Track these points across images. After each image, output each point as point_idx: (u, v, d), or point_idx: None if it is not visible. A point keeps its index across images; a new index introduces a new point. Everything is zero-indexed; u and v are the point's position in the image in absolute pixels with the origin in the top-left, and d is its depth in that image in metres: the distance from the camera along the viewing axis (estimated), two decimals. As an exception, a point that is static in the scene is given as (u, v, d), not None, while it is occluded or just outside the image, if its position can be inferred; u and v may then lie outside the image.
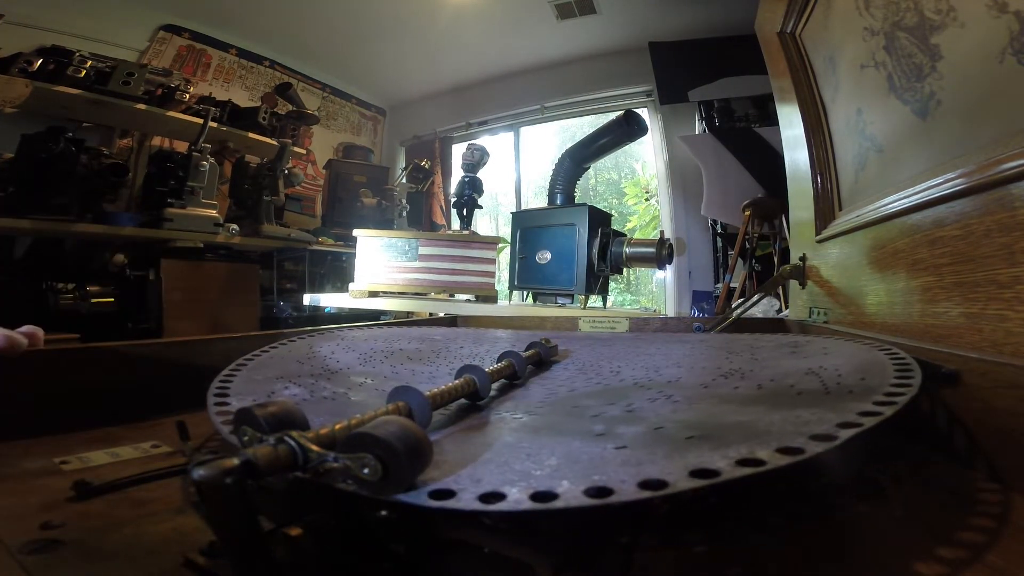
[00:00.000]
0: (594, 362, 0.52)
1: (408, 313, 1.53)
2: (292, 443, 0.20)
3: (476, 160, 1.69)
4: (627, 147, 1.54)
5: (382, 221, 2.15)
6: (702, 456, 0.20)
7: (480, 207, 1.75)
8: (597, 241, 1.22)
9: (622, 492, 0.18)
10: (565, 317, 0.96)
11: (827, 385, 0.29)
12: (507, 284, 1.43)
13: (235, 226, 2.05)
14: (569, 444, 0.24)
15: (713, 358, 0.46)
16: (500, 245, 1.60)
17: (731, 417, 0.26)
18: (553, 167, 1.40)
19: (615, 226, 1.30)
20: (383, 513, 0.20)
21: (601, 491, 0.18)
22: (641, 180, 4.81)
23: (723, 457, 0.19)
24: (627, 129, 1.31)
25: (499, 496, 0.19)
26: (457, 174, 2.13)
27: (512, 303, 1.40)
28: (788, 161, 0.93)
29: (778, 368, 0.37)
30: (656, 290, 4.35)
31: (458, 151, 2.77)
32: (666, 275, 2.89)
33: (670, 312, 2.76)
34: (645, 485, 0.18)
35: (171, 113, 2.07)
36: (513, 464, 0.22)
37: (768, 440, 0.21)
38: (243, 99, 2.59)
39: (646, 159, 4.64)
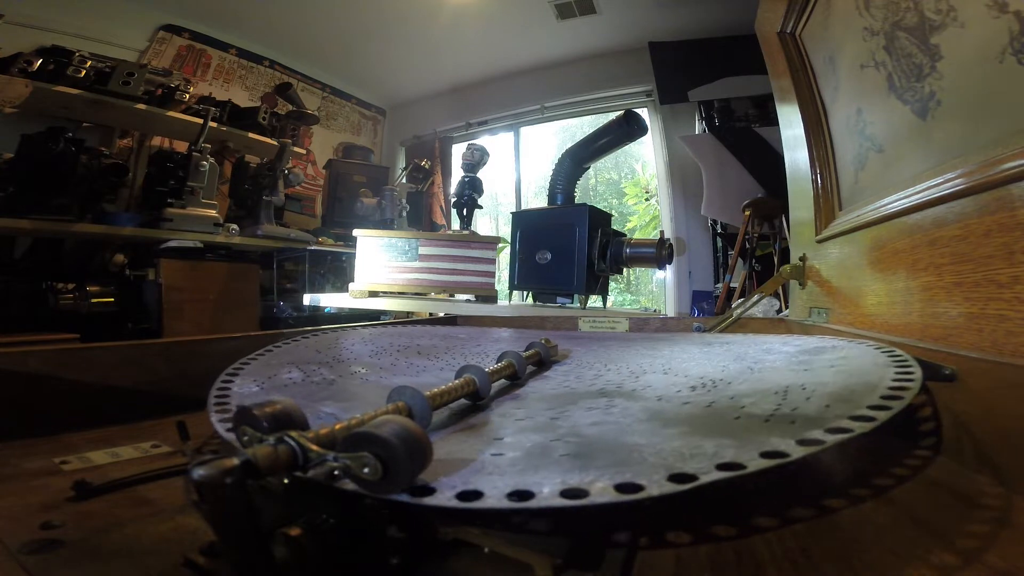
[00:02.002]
0: (591, 362, 0.52)
1: (408, 313, 1.53)
2: (292, 443, 0.20)
3: (476, 160, 1.69)
4: (627, 147, 1.54)
5: (382, 221, 2.15)
6: (552, 477, 0.20)
7: (480, 207, 1.75)
8: (597, 241, 1.22)
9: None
10: (565, 317, 0.96)
11: (779, 410, 0.26)
12: (507, 284, 1.42)
13: (235, 226, 2.05)
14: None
15: (705, 364, 0.45)
16: (500, 245, 1.59)
17: (634, 438, 0.24)
18: (553, 167, 1.40)
19: (615, 226, 1.30)
20: (383, 513, 0.20)
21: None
22: (641, 180, 4.81)
23: (558, 483, 0.20)
24: (627, 129, 1.30)
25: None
26: (457, 174, 2.13)
27: (512, 303, 1.40)
28: (788, 161, 0.93)
29: (759, 382, 0.35)
30: (656, 290, 4.36)
31: (458, 151, 2.77)
32: (666, 275, 2.89)
33: (670, 312, 2.76)
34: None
35: (171, 113, 2.07)
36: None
37: (625, 470, 0.20)
38: (243, 99, 2.59)
39: (646, 159, 4.65)
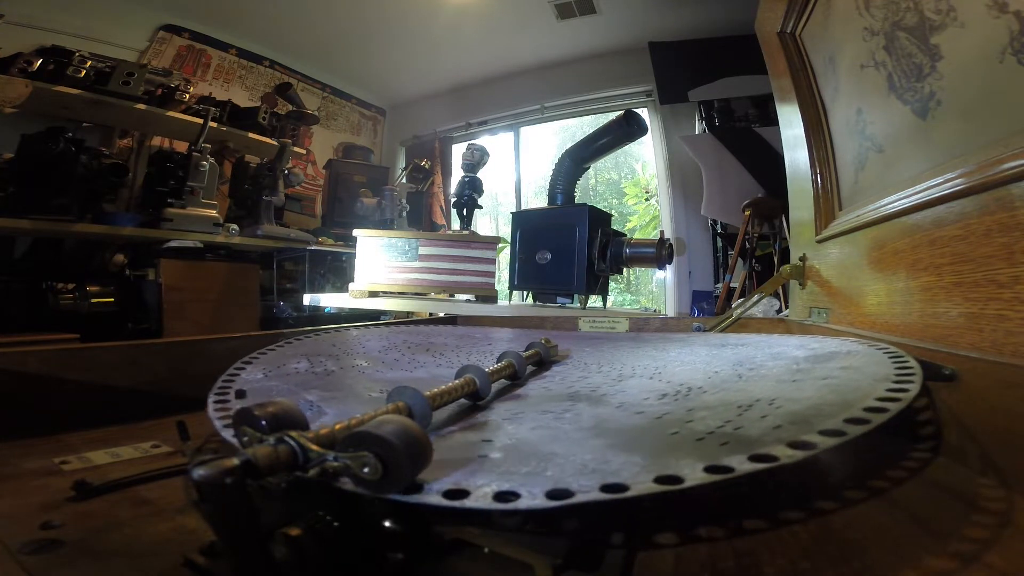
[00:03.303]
0: (588, 363, 0.52)
1: (408, 313, 1.53)
2: (292, 443, 0.20)
3: (476, 160, 1.69)
4: (627, 147, 1.54)
5: (382, 221, 2.15)
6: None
7: (480, 207, 1.75)
8: (597, 241, 1.22)
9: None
10: (565, 317, 0.96)
11: (723, 428, 0.25)
12: (507, 284, 1.42)
13: (235, 226, 2.05)
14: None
15: (697, 370, 0.44)
16: (500, 245, 1.59)
17: (555, 447, 0.25)
18: (553, 167, 1.40)
19: (615, 226, 1.30)
20: (383, 513, 0.20)
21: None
22: (641, 180, 4.81)
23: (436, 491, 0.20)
24: (627, 129, 1.30)
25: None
26: (457, 174, 2.13)
27: (512, 303, 1.40)
28: (788, 161, 0.93)
29: (736, 393, 0.34)
30: (656, 290, 4.36)
31: (458, 151, 2.76)
32: (666, 275, 2.89)
33: (670, 312, 2.76)
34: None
35: (171, 113, 2.07)
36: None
37: (514, 478, 0.21)
38: (243, 99, 2.59)
39: (646, 159, 4.65)
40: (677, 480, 0.19)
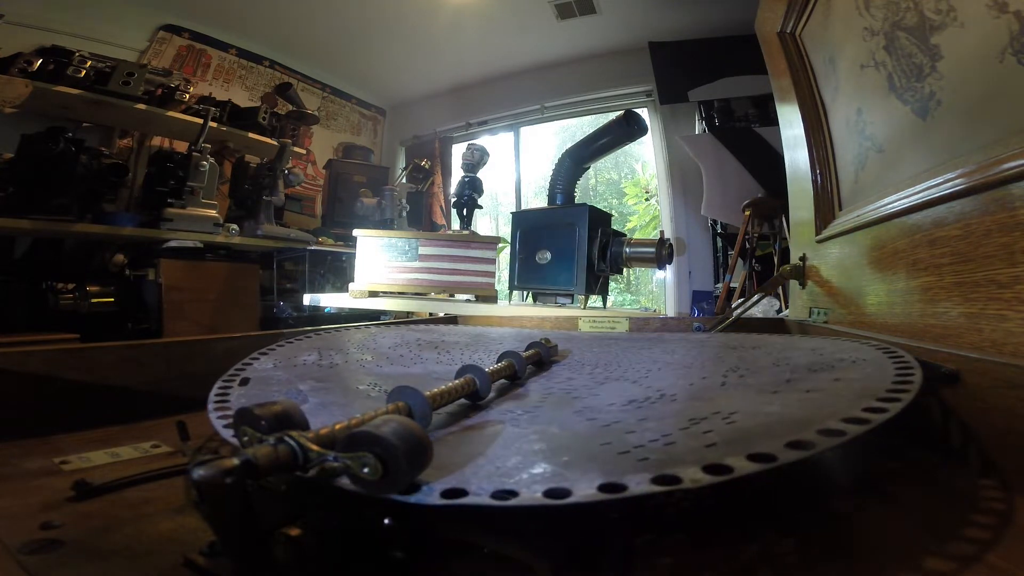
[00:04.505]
0: (583, 364, 0.52)
1: (408, 313, 1.53)
2: (292, 443, 0.20)
3: (476, 160, 1.69)
4: (627, 147, 1.53)
5: (382, 221, 2.15)
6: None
7: (480, 207, 1.75)
8: (597, 241, 1.22)
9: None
10: (565, 317, 0.96)
11: (655, 443, 0.24)
12: (507, 284, 1.42)
13: (235, 226, 2.05)
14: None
15: (683, 376, 0.44)
16: (500, 245, 1.59)
17: (492, 449, 0.25)
18: (553, 167, 1.39)
19: (615, 226, 1.30)
20: (383, 513, 0.20)
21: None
22: (641, 180, 4.81)
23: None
24: (627, 129, 1.30)
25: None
26: (457, 174, 2.13)
27: (512, 303, 1.40)
28: (788, 161, 0.93)
29: (703, 403, 0.33)
30: (656, 290, 4.36)
31: (458, 151, 2.77)
32: (666, 275, 2.89)
33: (670, 312, 2.76)
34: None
35: (171, 113, 2.07)
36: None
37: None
38: (243, 99, 2.59)
39: (646, 159, 4.65)
40: (566, 494, 0.19)
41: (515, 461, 0.23)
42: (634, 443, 0.24)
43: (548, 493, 0.19)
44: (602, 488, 0.19)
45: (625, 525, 0.25)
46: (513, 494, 0.19)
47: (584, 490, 0.19)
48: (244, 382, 0.41)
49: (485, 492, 0.20)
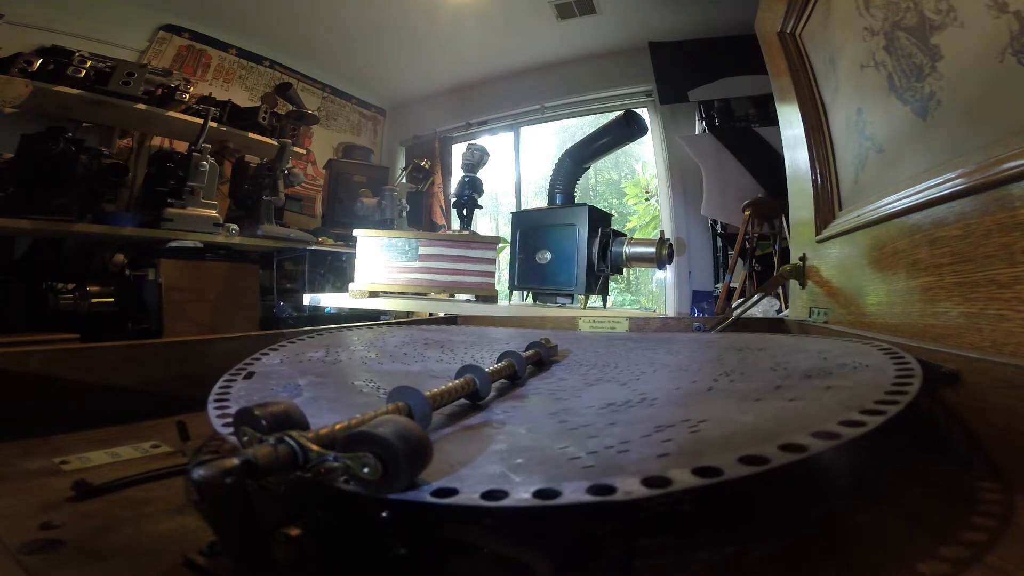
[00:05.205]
0: (581, 364, 0.52)
1: (408, 313, 1.53)
2: (292, 443, 0.20)
3: (476, 160, 1.69)
4: (627, 147, 1.53)
5: (382, 221, 2.15)
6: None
7: (480, 207, 1.75)
8: (597, 241, 1.22)
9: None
10: (565, 317, 0.96)
11: (609, 451, 0.24)
12: (507, 284, 1.42)
13: (235, 226, 2.05)
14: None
15: (672, 379, 0.44)
16: (500, 245, 1.59)
17: (449, 444, 0.26)
18: (553, 167, 1.39)
19: (615, 226, 1.30)
20: (383, 512, 0.20)
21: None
22: (641, 180, 4.81)
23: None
24: (627, 129, 1.30)
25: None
26: (457, 174, 2.13)
27: (512, 303, 1.40)
28: (788, 161, 0.93)
29: (678, 409, 0.33)
30: (656, 290, 4.36)
31: (458, 151, 2.77)
32: (666, 275, 2.89)
33: (670, 312, 2.76)
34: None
35: (171, 113, 2.07)
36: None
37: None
38: (243, 99, 2.59)
39: (646, 159, 4.65)
40: (502, 495, 0.19)
41: (479, 460, 0.23)
42: (590, 448, 0.24)
43: (485, 495, 0.20)
44: (536, 494, 0.19)
45: (625, 526, 0.25)
46: (454, 491, 0.20)
47: (519, 495, 0.19)
48: (249, 376, 0.42)
49: (426, 492, 0.20)
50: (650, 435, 0.25)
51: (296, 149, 2.42)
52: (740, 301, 0.96)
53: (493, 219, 5.01)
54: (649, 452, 0.23)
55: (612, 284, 1.38)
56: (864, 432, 0.23)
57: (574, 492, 0.19)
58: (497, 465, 0.23)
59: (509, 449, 0.25)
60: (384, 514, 0.21)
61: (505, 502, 0.19)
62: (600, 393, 0.39)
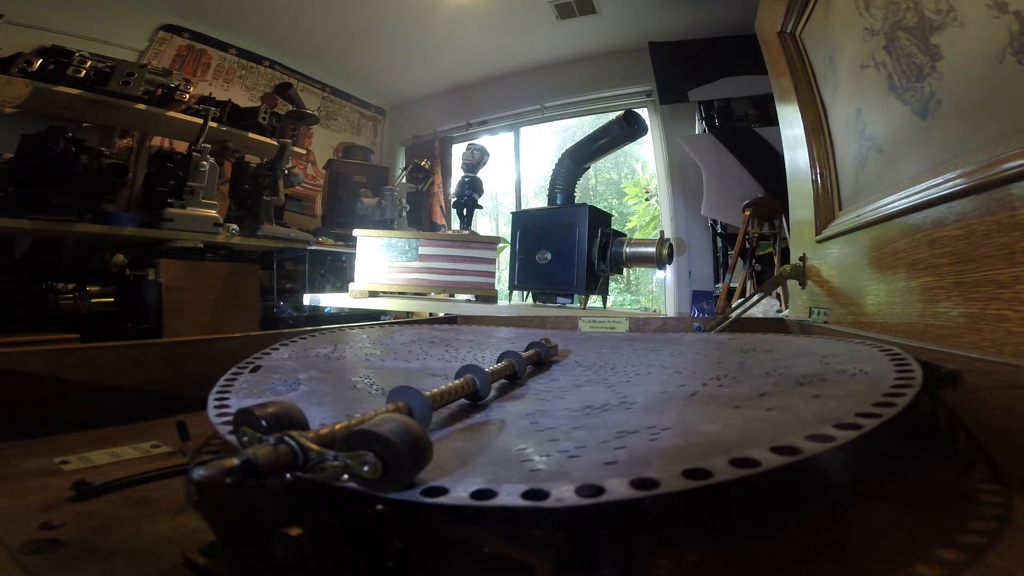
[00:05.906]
0: (580, 364, 0.52)
1: (408, 313, 1.53)
2: (292, 443, 0.20)
3: (476, 160, 1.69)
4: (627, 147, 1.53)
5: (382, 221, 2.15)
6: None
7: (480, 207, 1.75)
8: (597, 241, 1.22)
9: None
10: (565, 317, 0.96)
11: (566, 455, 0.24)
12: (507, 284, 1.42)
13: (235, 226, 2.05)
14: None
15: (660, 383, 0.43)
16: (500, 245, 1.59)
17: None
18: (553, 167, 1.39)
19: (615, 226, 1.30)
20: (383, 512, 0.20)
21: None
22: (641, 180, 4.81)
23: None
24: (627, 129, 1.30)
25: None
26: (457, 174, 2.13)
27: (512, 303, 1.40)
28: (788, 161, 0.93)
29: (652, 414, 0.32)
30: (656, 290, 4.36)
31: (458, 151, 2.76)
32: (666, 275, 2.89)
33: (670, 312, 2.76)
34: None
35: (171, 113, 2.07)
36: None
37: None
38: (243, 99, 2.59)
39: (646, 159, 4.65)
40: (442, 491, 0.20)
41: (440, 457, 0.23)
42: (546, 452, 0.24)
43: (425, 492, 0.20)
44: (474, 495, 0.20)
45: (625, 525, 0.25)
46: (494, 493, 0.20)
47: (459, 493, 0.20)
48: (256, 369, 0.43)
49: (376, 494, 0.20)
50: (608, 441, 0.25)
51: (296, 149, 2.42)
52: (740, 301, 0.96)
53: (493, 219, 5.01)
54: (598, 459, 0.23)
55: (612, 284, 1.38)
56: (828, 448, 0.22)
57: (509, 495, 0.19)
58: (453, 463, 0.23)
59: (474, 451, 0.25)
60: (379, 507, 0.21)
61: (442, 499, 0.19)
62: (584, 395, 0.39)
